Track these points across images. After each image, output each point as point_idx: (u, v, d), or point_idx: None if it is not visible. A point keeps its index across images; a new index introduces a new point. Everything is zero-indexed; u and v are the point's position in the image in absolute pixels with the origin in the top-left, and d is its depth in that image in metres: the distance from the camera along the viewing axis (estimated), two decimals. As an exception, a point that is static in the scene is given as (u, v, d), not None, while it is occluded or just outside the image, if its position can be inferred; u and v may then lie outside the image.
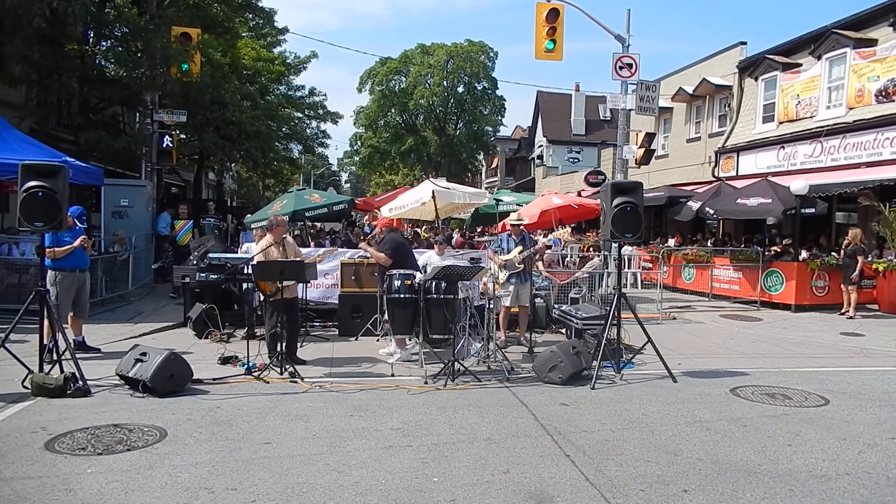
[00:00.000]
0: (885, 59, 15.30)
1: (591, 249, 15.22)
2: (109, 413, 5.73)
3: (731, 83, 20.97)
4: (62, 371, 6.43)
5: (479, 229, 23.67)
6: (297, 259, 7.88)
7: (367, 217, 24.24)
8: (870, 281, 13.71)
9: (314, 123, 37.84)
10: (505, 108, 48.83)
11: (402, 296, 7.77)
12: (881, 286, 13.42)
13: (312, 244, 14.80)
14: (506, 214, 15.01)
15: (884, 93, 15.26)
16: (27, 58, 13.87)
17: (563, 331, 10.20)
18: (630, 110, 15.30)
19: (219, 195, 39.66)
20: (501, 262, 9.09)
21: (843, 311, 12.68)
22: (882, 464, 4.85)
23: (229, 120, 22.28)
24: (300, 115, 35.52)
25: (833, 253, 14.22)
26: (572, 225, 19.34)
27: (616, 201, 7.46)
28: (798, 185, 14.04)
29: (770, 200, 14.37)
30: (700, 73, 22.26)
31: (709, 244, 18.59)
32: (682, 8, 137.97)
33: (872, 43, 15.75)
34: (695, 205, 17.33)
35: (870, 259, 14.19)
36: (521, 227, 9.64)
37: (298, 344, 8.43)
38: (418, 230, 20.36)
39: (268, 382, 6.92)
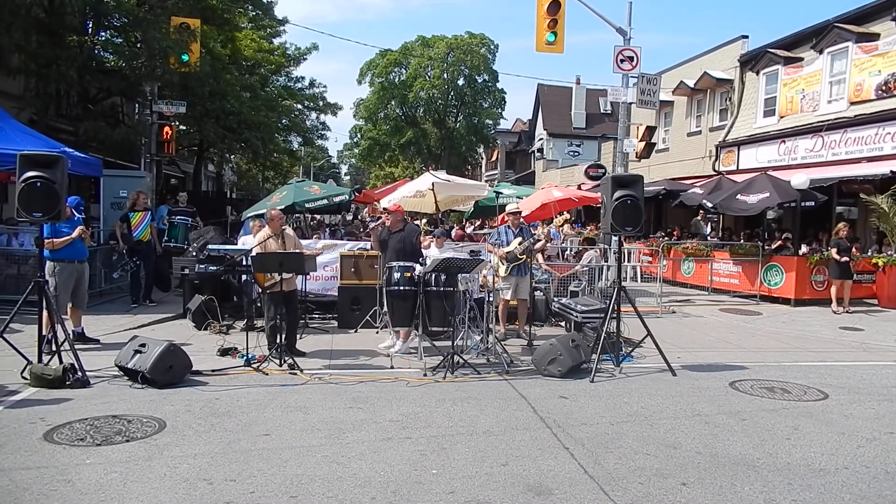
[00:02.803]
0: (886, 54, 15.26)
1: (585, 243, 15.17)
2: (108, 404, 5.72)
3: (732, 77, 20.92)
4: (61, 362, 6.42)
5: (478, 222, 23.66)
6: (297, 251, 7.87)
7: (367, 209, 24.23)
8: (869, 276, 13.73)
9: (314, 115, 37.80)
10: (505, 101, 48.76)
11: (401, 288, 7.76)
12: (881, 281, 13.42)
13: (315, 236, 14.79)
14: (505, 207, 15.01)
15: (885, 87, 15.22)
16: (24, 48, 13.81)
17: (563, 324, 10.20)
18: (631, 104, 15.26)
19: (218, 187, 39.66)
20: (503, 255, 9.04)
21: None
22: (881, 458, 4.85)
23: (229, 110, 22.24)
24: (300, 106, 35.46)
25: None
26: (570, 214, 19.31)
27: (616, 195, 7.44)
28: (798, 179, 14.02)
29: (768, 195, 14.37)
30: (701, 66, 22.21)
31: (709, 238, 18.59)
32: (684, 1, 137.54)
33: (874, 37, 15.70)
34: (698, 190, 17.36)
35: (869, 254, 14.22)
36: (520, 217, 9.59)
37: (298, 336, 8.42)
38: (417, 223, 20.34)
39: (267, 374, 6.92)
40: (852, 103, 16.10)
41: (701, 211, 18.80)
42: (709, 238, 18.52)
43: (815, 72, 17.43)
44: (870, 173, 14.09)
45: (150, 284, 11.68)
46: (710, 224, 19.30)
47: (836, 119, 16.41)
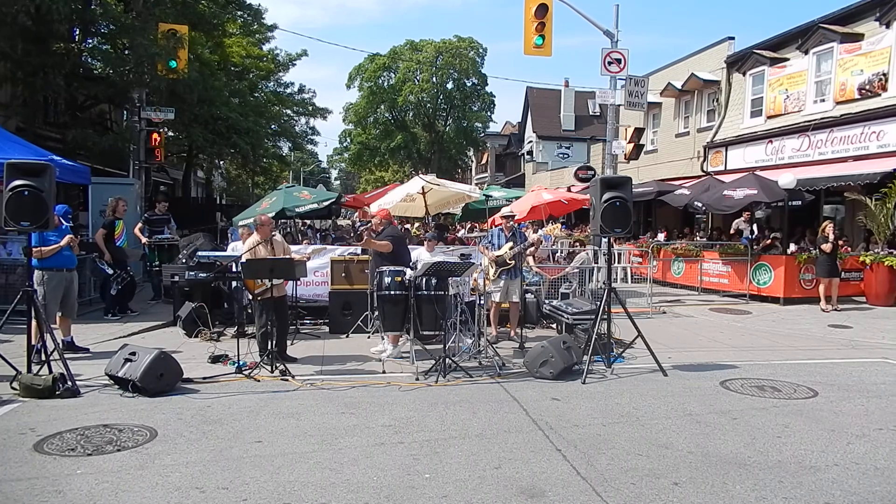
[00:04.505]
0: (870, 54, 15.41)
1: (577, 244, 15.22)
2: (99, 413, 5.69)
3: (719, 78, 21.07)
4: (51, 372, 6.38)
5: (468, 225, 23.70)
6: (287, 257, 7.85)
7: (357, 213, 24.24)
8: (857, 274, 13.85)
9: (303, 120, 37.81)
10: (494, 104, 48.98)
11: (392, 292, 7.76)
12: (868, 278, 13.53)
13: (305, 241, 14.78)
14: (496, 210, 15.05)
15: (869, 87, 15.37)
16: (10, 56, 13.74)
17: (554, 326, 10.23)
18: (619, 106, 15.33)
19: (208, 193, 39.52)
20: (493, 258, 9.11)
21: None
22: (870, 454, 4.89)
23: (217, 116, 22.20)
24: (289, 112, 35.44)
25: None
26: (562, 220, 19.33)
27: (605, 196, 7.47)
28: (786, 179, 14.12)
29: (756, 191, 14.48)
30: (688, 68, 22.35)
31: (697, 238, 18.67)
32: (670, 3, 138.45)
33: (859, 37, 15.86)
34: (685, 191, 17.43)
35: (856, 252, 14.34)
36: (512, 221, 9.63)
37: (289, 342, 8.41)
38: (408, 227, 20.37)
39: (258, 381, 6.90)
40: (838, 103, 16.25)
41: (745, 213, 16.50)
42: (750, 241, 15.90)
43: (801, 72, 17.58)
44: (862, 173, 14.15)
45: (130, 294, 11.54)
46: (754, 225, 16.88)
47: (822, 119, 16.55)
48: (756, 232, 16.28)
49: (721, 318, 12.17)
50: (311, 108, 36.45)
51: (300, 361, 7.87)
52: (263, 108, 29.53)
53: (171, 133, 23.59)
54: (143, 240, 12.59)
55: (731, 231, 15.84)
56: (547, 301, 10.80)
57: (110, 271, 10.80)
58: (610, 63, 14.50)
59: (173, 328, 10.05)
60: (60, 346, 6.87)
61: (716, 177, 18.65)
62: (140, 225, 12.90)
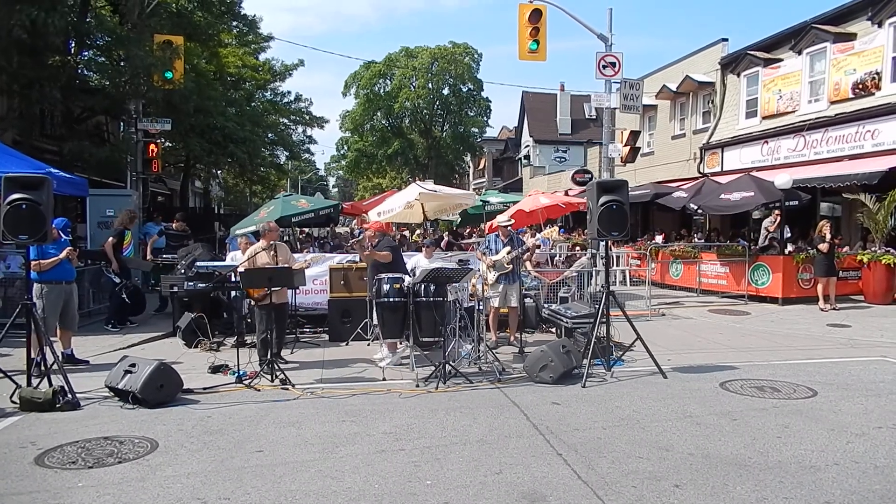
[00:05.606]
0: (863, 53, 15.48)
1: (577, 248, 15.24)
2: (100, 426, 5.69)
3: (713, 79, 21.13)
4: (51, 385, 6.38)
5: (466, 230, 23.70)
6: (286, 265, 7.87)
7: (355, 221, 24.26)
8: (855, 272, 13.87)
9: (300, 129, 37.87)
10: (491, 109, 49.02)
11: (391, 299, 7.77)
12: (866, 277, 13.56)
13: (305, 250, 14.77)
14: (493, 215, 15.08)
15: (863, 86, 15.43)
16: (5, 69, 13.76)
17: (553, 330, 10.23)
18: (615, 109, 15.33)
19: (205, 202, 39.54)
20: (490, 263, 9.14)
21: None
22: (870, 453, 4.91)
23: (214, 125, 22.23)
24: (286, 121, 35.49)
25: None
26: (559, 222, 19.36)
27: (602, 200, 7.50)
28: (782, 179, 14.15)
29: (752, 194, 14.49)
30: (683, 70, 22.40)
31: (695, 239, 18.69)
32: (664, 6, 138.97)
33: (851, 37, 15.93)
34: (683, 194, 17.48)
35: (854, 250, 14.36)
36: (509, 227, 9.67)
37: (289, 351, 8.43)
38: (406, 234, 20.35)
39: (259, 390, 6.90)
40: (832, 102, 16.31)
41: (775, 212, 14.97)
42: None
43: (795, 72, 17.65)
44: (859, 172, 14.15)
45: (140, 308, 11.59)
46: (786, 226, 15.24)
47: (816, 119, 16.60)
48: (789, 233, 15.71)
49: (720, 319, 12.18)
50: (307, 116, 36.52)
51: (300, 369, 7.87)
52: (260, 117, 29.57)
53: (168, 143, 23.63)
54: (149, 256, 12.64)
55: (765, 233, 15.20)
56: (546, 305, 10.81)
57: (117, 280, 10.88)
58: (604, 66, 14.52)
59: (173, 339, 10.04)
60: (60, 358, 6.86)
61: (712, 178, 18.70)
62: (155, 237, 12.96)
